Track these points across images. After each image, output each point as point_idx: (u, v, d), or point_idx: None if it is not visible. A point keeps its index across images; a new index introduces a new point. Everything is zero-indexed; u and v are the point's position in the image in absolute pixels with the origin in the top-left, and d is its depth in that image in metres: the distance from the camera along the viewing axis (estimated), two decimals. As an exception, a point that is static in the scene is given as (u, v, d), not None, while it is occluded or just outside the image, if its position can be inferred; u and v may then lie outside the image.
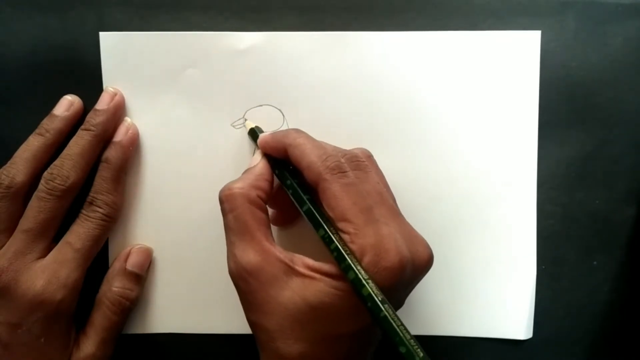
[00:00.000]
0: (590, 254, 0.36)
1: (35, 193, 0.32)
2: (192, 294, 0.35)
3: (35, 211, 0.32)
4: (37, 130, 0.33)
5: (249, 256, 0.28)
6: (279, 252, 0.28)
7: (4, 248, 0.32)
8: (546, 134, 0.35)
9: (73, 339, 0.33)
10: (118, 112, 0.34)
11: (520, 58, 0.35)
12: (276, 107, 0.35)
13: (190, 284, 0.35)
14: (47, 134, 0.33)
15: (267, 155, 0.31)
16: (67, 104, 0.34)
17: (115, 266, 0.34)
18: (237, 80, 0.35)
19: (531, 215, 0.35)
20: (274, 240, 0.29)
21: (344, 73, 0.35)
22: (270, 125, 0.35)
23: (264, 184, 0.30)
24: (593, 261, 0.36)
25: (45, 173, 0.32)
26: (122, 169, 0.34)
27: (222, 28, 0.35)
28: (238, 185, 0.29)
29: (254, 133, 0.33)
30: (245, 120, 0.35)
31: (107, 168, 0.33)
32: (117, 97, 0.34)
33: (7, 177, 0.32)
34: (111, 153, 0.33)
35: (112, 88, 0.34)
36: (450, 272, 0.35)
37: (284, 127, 0.35)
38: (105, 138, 0.34)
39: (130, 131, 0.34)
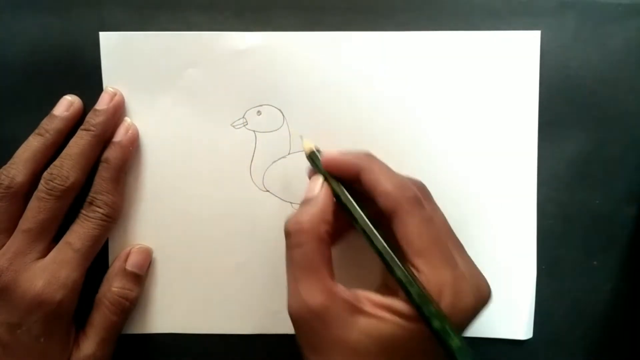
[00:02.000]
0: (590, 254, 0.36)
1: (35, 193, 0.32)
2: (192, 294, 0.35)
3: (35, 211, 0.32)
4: (36, 131, 0.33)
5: (314, 296, 0.27)
6: (342, 291, 0.27)
7: (3, 248, 0.32)
8: (546, 134, 0.35)
9: (73, 339, 0.33)
10: (118, 112, 0.34)
11: (520, 58, 0.35)
12: (276, 107, 0.35)
13: (190, 284, 0.35)
14: (47, 134, 0.33)
15: (326, 179, 0.30)
16: (66, 104, 0.34)
17: (115, 266, 0.34)
18: (237, 80, 0.35)
19: (531, 215, 0.35)
20: (334, 276, 0.28)
21: (344, 73, 0.35)
22: (270, 126, 0.35)
23: (330, 217, 0.29)
24: (593, 261, 0.36)
25: (45, 173, 0.32)
26: (122, 169, 0.34)
27: (222, 28, 0.35)
28: (307, 219, 0.28)
29: (314, 155, 0.31)
30: (302, 137, 0.32)
31: (107, 168, 0.33)
32: (116, 97, 0.34)
33: (7, 177, 0.32)
34: (111, 153, 0.33)
35: (112, 88, 0.34)
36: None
37: (284, 127, 0.35)
38: (105, 138, 0.34)
39: (130, 131, 0.34)
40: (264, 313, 0.35)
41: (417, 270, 0.27)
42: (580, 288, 0.36)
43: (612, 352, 0.36)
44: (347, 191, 0.29)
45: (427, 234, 0.27)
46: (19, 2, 0.35)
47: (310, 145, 0.31)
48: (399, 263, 0.27)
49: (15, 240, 0.32)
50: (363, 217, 0.29)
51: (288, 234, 0.28)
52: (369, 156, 0.30)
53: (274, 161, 0.35)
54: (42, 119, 0.34)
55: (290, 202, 0.35)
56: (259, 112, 0.35)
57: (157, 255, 0.35)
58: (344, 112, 0.35)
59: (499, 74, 0.35)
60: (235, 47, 0.35)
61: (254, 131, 0.35)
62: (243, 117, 0.35)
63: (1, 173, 0.32)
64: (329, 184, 0.30)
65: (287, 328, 0.33)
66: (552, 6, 0.35)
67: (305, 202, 0.29)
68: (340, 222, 0.30)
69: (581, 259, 0.36)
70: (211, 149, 0.35)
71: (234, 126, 0.35)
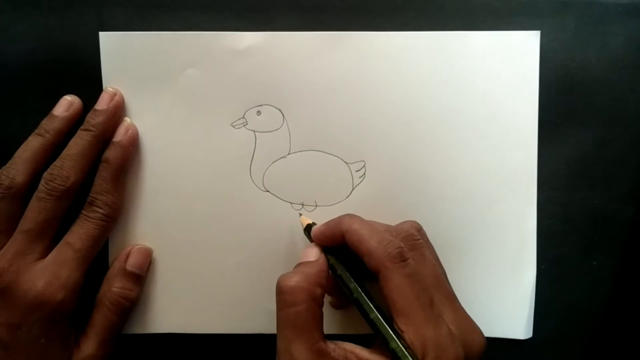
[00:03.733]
0: (590, 254, 0.36)
1: (35, 193, 0.32)
2: (192, 294, 0.35)
3: (35, 212, 0.32)
4: (36, 131, 0.33)
5: (306, 356, 0.27)
6: (332, 350, 0.28)
7: (4, 249, 0.32)
8: (546, 134, 0.35)
9: (73, 339, 0.33)
10: (118, 112, 0.34)
11: (520, 58, 0.35)
12: (276, 107, 0.35)
13: (190, 284, 0.35)
14: (47, 135, 0.33)
15: (323, 250, 0.31)
16: (66, 104, 0.34)
17: (115, 266, 0.34)
18: (237, 80, 0.35)
19: (531, 215, 0.35)
20: (324, 336, 0.28)
21: (344, 73, 0.35)
22: (270, 126, 0.35)
23: (325, 282, 0.29)
24: (593, 261, 0.36)
25: (45, 174, 0.32)
26: (121, 169, 0.34)
27: (222, 28, 0.35)
28: (302, 279, 0.29)
29: (310, 229, 0.33)
30: (300, 215, 0.35)
31: (107, 168, 0.33)
32: (116, 97, 0.34)
33: (7, 177, 0.32)
34: (111, 153, 0.33)
35: (112, 88, 0.34)
36: (451, 272, 0.35)
37: (284, 127, 0.35)
38: (105, 138, 0.34)
39: (129, 131, 0.34)
40: (264, 313, 0.35)
41: (400, 330, 0.27)
42: (580, 288, 0.36)
43: (612, 352, 0.36)
44: (344, 258, 0.31)
45: (410, 292, 0.28)
46: (19, 2, 0.35)
47: (307, 221, 0.34)
48: (394, 335, 0.27)
49: (15, 241, 0.32)
50: (357, 288, 0.29)
51: (282, 292, 0.28)
52: (351, 217, 0.31)
53: (274, 161, 0.35)
54: (42, 119, 0.34)
55: (290, 202, 0.35)
56: (259, 112, 0.35)
57: (157, 256, 0.35)
58: (344, 112, 0.35)
59: (499, 74, 0.35)
60: (235, 47, 0.35)
61: (254, 131, 0.35)
62: (243, 117, 0.35)
63: (1, 173, 0.32)
64: (326, 256, 0.31)
65: (287, 328, 0.33)
66: (552, 6, 0.35)
67: (302, 264, 0.30)
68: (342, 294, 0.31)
69: (581, 259, 0.36)
70: (211, 149, 0.35)
71: (234, 126, 0.35)
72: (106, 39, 0.34)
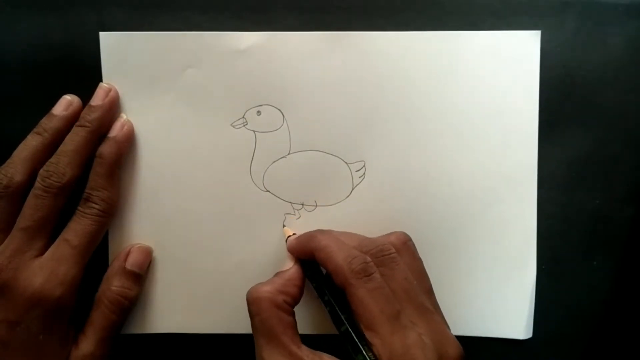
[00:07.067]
0: (590, 254, 0.36)
1: (32, 191, 0.32)
2: (192, 294, 0.35)
3: (32, 209, 0.32)
4: (35, 130, 0.33)
5: None
6: (305, 355, 0.28)
7: (2, 246, 0.32)
8: (546, 134, 0.35)
9: (72, 336, 0.33)
10: (113, 108, 0.34)
11: (520, 58, 0.35)
12: (276, 107, 0.35)
13: (190, 284, 0.35)
14: (45, 134, 0.33)
15: (301, 261, 0.32)
16: (66, 104, 0.34)
17: (114, 265, 0.34)
18: (237, 80, 0.35)
19: (531, 215, 0.35)
20: (300, 342, 0.29)
21: (344, 73, 0.35)
22: (270, 126, 0.35)
23: (293, 290, 0.30)
24: (593, 261, 0.36)
25: (42, 170, 0.32)
26: (116, 164, 0.34)
27: (222, 28, 0.35)
28: (266, 288, 0.30)
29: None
30: (284, 226, 0.35)
31: (101, 163, 0.33)
32: (111, 93, 0.34)
33: (6, 176, 0.32)
34: (105, 148, 0.33)
35: (107, 84, 0.34)
36: (451, 272, 0.35)
37: (284, 127, 0.35)
38: (100, 134, 0.34)
39: (125, 127, 0.34)
40: (263, 313, 0.35)
41: (370, 343, 0.27)
42: (580, 288, 0.36)
43: (612, 352, 0.36)
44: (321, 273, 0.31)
45: (374, 305, 0.28)
46: (19, 2, 0.35)
47: (288, 232, 0.34)
48: (361, 348, 0.28)
49: (14, 239, 0.32)
50: (331, 300, 0.30)
51: (248, 303, 0.30)
52: (321, 233, 0.31)
53: (274, 161, 0.35)
54: (41, 118, 0.34)
55: (290, 202, 0.35)
56: (259, 112, 0.35)
57: (157, 255, 0.35)
58: (344, 112, 0.35)
59: (499, 74, 0.35)
60: (235, 47, 0.35)
61: (254, 131, 0.35)
62: (243, 117, 0.35)
63: (-1, 172, 0.32)
64: (301, 266, 0.32)
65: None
66: (552, 6, 0.35)
67: (276, 274, 0.31)
68: None
69: (581, 259, 0.36)
70: (211, 149, 0.35)
71: (234, 126, 0.35)
72: (106, 39, 0.34)
